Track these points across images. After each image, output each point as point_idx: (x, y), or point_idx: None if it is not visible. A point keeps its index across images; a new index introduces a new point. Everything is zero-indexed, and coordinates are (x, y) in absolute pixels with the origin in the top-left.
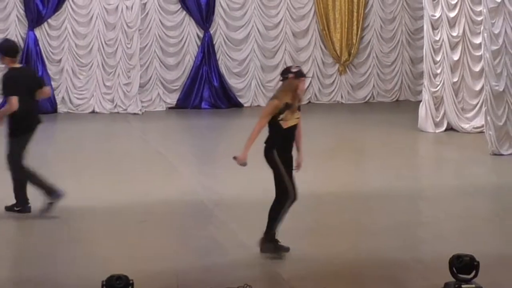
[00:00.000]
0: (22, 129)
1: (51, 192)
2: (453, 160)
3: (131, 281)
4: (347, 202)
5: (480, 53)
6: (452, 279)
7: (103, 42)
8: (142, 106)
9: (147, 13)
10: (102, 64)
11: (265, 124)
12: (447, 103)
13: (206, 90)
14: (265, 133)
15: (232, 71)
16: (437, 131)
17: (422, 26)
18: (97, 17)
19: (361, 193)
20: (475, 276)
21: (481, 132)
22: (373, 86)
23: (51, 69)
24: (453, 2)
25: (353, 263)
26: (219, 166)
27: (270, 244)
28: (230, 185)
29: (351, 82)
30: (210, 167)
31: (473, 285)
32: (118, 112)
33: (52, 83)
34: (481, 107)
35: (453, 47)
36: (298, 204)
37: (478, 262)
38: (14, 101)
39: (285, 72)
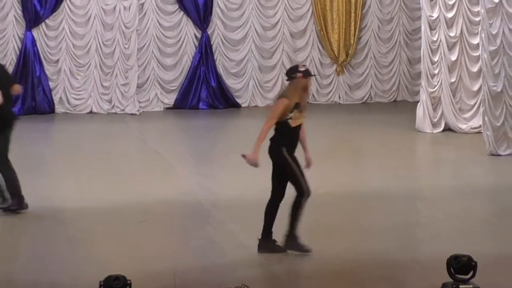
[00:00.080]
0: (4, 125)
1: (4, 200)
2: (450, 161)
3: (129, 282)
4: (345, 202)
5: (477, 54)
6: (450, 280)
7: (101, 43)
8: (140, 107)
9: (145, 14)
10: (100, 65)
11: (274, 123)
12: (444, 104)
13: (203, 91)
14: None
15: (229, 72)
16: (434, 131)
17: (420, 27)
18: (94, 18)
19: (359, 193)
20: (473, 276)
21: (479, 132)
22: (371, 86)
23: (49, 70)
24: (451, 3)
25: (351, 263)
26: (217, 167)
27: (293, 242)
28: (228, 186)
29: (348, 82)
30: (208, 168)
31: (471, 286)
32: (115, 113)
33: (50, 83)
34: (478, 107)
35: (450, 48)
36: None
37: (475, 263)
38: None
39: (293, 72)
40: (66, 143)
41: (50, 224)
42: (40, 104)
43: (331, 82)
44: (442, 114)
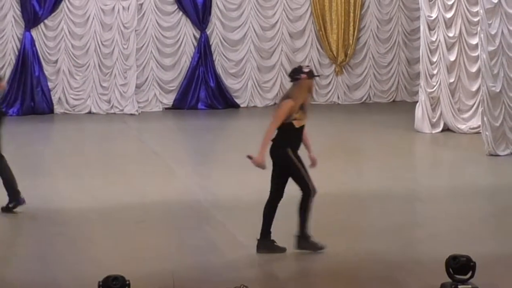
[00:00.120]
0: None
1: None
2: (449, 161)
3: (127, 282)
4: (344, 202)
5: (476, 54)
6: (449, 280)
7: (100, 43)
8: (139, 107)
9: (144, 14)
10: (99, 65)
11: (279, 124)
12: (443, 104)
13: (202, 91)
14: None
15: (228, 72)
16: (433, 131)
17: (419, 27)
18: (93, 18)
19: (358, 193)
20: (472, 276)
21: (478, 132)
22: (370, 86)
23: (48, 70)
24: (450, 3)
25: (350, 263)
26: (215, 167)
27: (306, 242)
28: (226, 186)
29: (347, 82)
30: (207, 168)
31: (470, 286)
32: (114, 113)
33: (49, 83)
34: (477, 107)
35: (449, 48)
36: (294, 205)
37: (474, 263)
38: None
39: (297, 73)
40: (65, 144)
41: (48, 224)
42: (39, 104)
43: (329, 82)
44: (441, 114)
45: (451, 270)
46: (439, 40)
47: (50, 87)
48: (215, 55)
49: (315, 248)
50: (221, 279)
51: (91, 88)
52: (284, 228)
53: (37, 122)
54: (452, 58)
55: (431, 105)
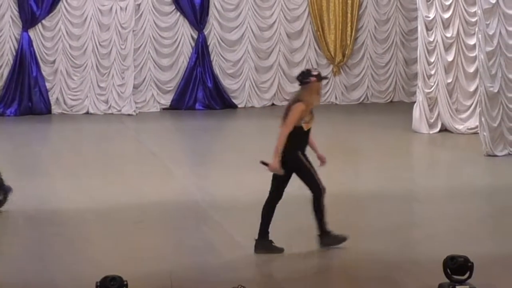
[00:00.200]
0: None
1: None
2: (447, 161)
3: (125, 282)
4: (342, 203)
5: (474, 54)
6: (446, 280)
7: (97, 43)
8: (136, 107)
9: (141, 14)
10: (96, 65)
11: (292, 128)
12: (441, 104)
13: (200, 91)
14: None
15: (226, 72)
16: (431, 132)
17: (416, 27)
18: (91, 18)
19: (355, 194)
20: (469, 277)
21: (475, 133)
22: (367, 87)
23: (45, 70)
24: (447, 3)
25: (348, 264)
26: (213, 167)
27: (328, 238)
28: (224, 186)
29: (345, 83)
30: (204, 168)
31: (467, 286)
32: (112, 113)
33: (46, 84)
34: (475, 108)
35: (447, 48)
36: (293, 205)
37: (472, 263)
38: None
39: (306, 76)
40: (62, 144)
41: (46, 225)
42: (36, 104)
43: (327, 82)
44: (438, 114)
45: (448, 271)
46: (437, 41)
47: (47, 87)
48: (213, 55)
49: (338, 241)
50: (218, 280)
51: (89, 89)
52: (283, 228)
53: (34, 123)
54: (450, 58)
55: (429, 105)
